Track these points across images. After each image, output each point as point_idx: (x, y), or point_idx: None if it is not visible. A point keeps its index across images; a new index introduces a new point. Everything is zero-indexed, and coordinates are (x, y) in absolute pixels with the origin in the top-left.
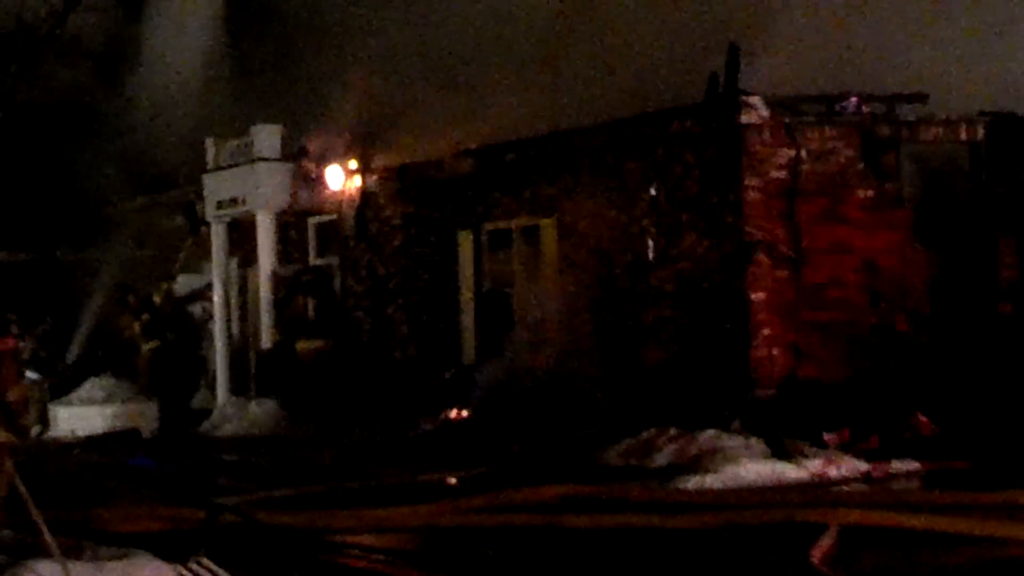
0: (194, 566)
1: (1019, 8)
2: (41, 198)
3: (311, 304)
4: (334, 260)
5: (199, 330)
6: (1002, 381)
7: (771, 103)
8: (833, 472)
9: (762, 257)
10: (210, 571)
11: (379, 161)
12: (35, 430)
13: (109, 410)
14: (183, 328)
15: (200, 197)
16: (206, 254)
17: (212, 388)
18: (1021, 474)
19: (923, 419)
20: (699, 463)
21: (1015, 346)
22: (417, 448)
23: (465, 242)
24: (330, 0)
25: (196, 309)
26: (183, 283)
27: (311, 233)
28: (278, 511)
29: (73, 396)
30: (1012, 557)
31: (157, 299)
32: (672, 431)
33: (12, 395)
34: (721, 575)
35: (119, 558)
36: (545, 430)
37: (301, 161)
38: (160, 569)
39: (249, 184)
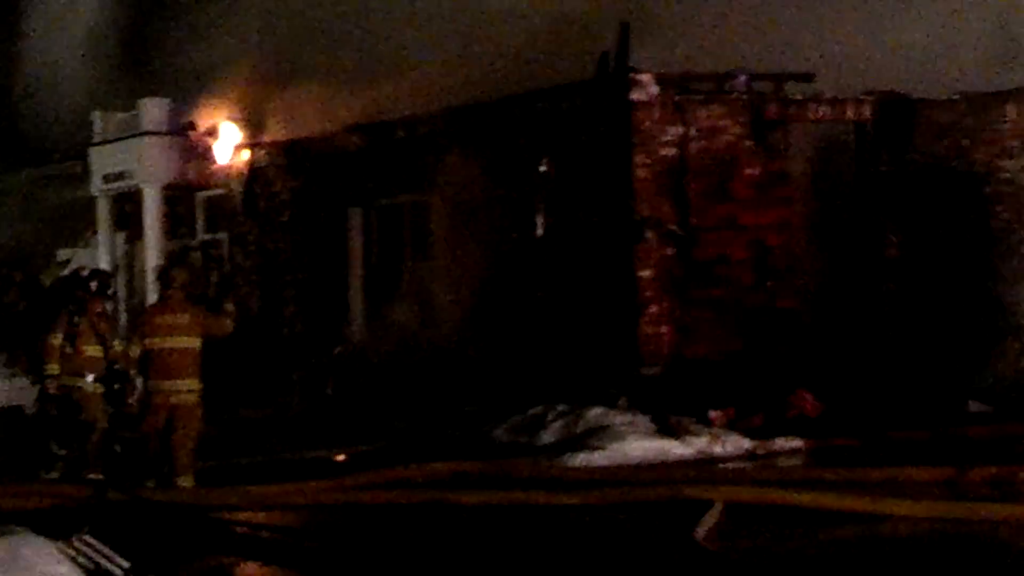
0: (78, 543)
1: None
2: None
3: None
4: (223, 235)
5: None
6: (886, 359)
7: (661, 81)
8: (718, 449)
9: (650, 234)
10: (94, 548)
11: (268, 135)
12: None
13: None
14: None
15: (86, 171)
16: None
17: None
18: (904, 450)
19: (808, 397)
20: (586, 440)
21: (899, 324)
22: (304, 425)
23: (355, 218)
24: None
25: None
26: (75, 259)
27: (199, 208)
28: (164, 488)
29: None
30: (895, 533)
31: (45, 281)
32: (560, 408)
33: None
34: (608, 551)
35: (1, 535)
36: (434, 407)
37: (189, 135)
38: (43, 546)
39: (136, 158)
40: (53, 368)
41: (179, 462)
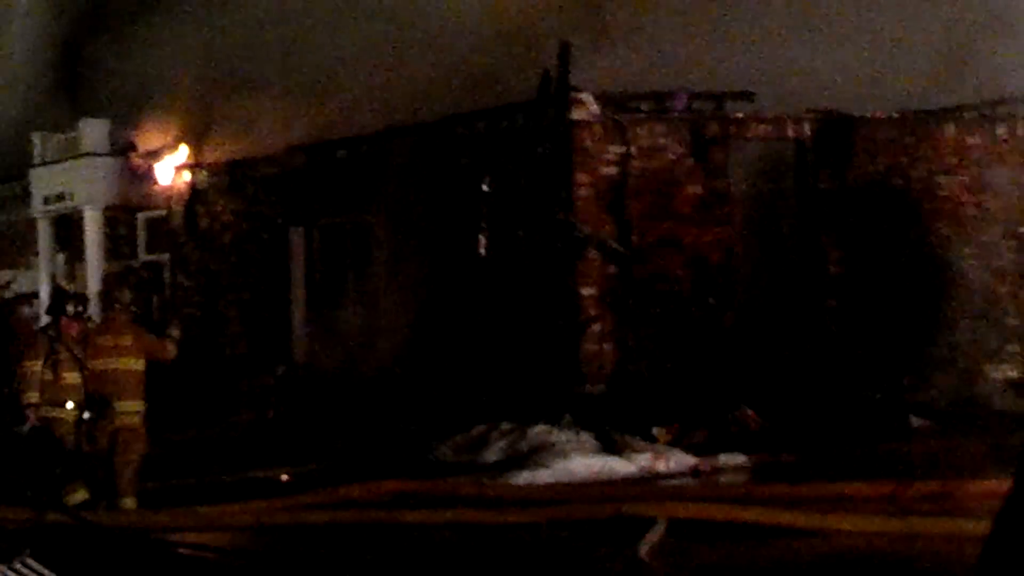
0: (19, 566)
1: (844, 7)
2: None
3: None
4: (164, 256)
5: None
6: (828, 374)
7: (602, 100)
8: (662, 466)
9: (592, 252)
10: (35, 571)
11: (209, 156)
12: None
13: None
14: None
15: (27, 193)
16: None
17: None
18: (845, 465)
19: (750, 413)
20: (530, 458)
21: (840, 340)
22: (248, 445)
23: (297, 239)
24: None
25: (25, 309)
26: (16, 281)
27: (140, 229)
28: (106, 509)
29: None
30: (838, 548)
31: None
32: (504, 426)
33: None
34: (552, 569)
35: None
36: (377, 426)
37: (129, 156)
38: None
39: (76, 179)
40: (32, 396)
41: (122, 484)
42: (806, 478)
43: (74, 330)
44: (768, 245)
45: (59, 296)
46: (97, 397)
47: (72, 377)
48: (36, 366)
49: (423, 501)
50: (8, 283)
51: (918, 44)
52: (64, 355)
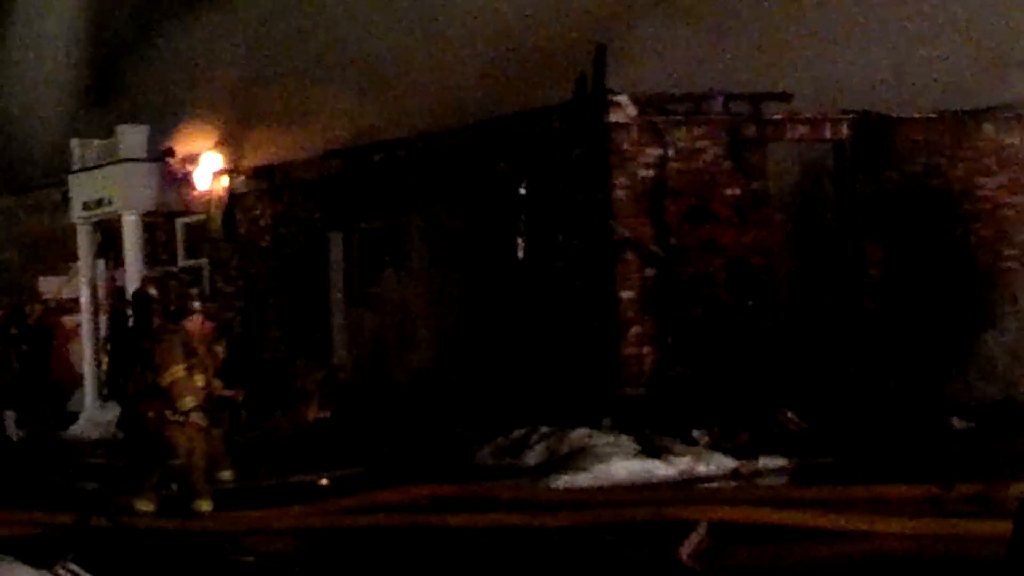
0: (60, 571)
1: (880, 8)
2: None
3: None
4: (203, 261)
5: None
6: (868, 377)
7: (639, 102)
8: (702, 469)
9: (631, 255)
10: (77, 575)
11: (247, 161)
12: None
13: None
14: (44, 338)
15: (66, 198)
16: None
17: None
18: (886, 468)
19: (790, 415)
20: (570, 461)
21: (879, 342)
22: (288, 449)
23: (335, 242)
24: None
25: (66, 319)
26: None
27: (179, 234)
28: (147, 514)
29: None
30: (879, 550)
31: (30, 316)
32: (543, 430)
33: None
34: (592, 573)
35: None
36: (417, 430)
37: (168, 161)
38: (26, 574)
39: (115, 185)
40: (189, 402)
41: (201, 485)
42: (847, 480)
43: (200, 327)
44: (806, 247)
45: (146, 299)
46: (228, 399)
47: (202, 379)
48: (180, 371)
49: (463, 505)
50: (60, 289)
51: (956, 44)
52: (202, 354)
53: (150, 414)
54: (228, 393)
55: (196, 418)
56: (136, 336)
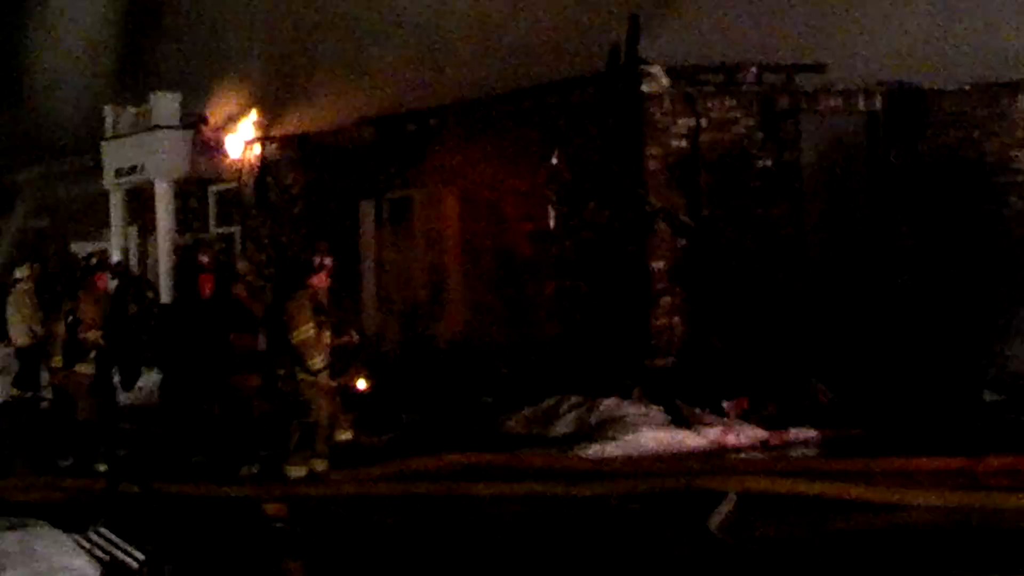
0: (93, 536)
1: None
2: None
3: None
4: (235, 229)
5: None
6: (899, 348)
7: (671, 73)
8: (732, 440)
9: (662, 226)
10: (109, 540)
11: (279, 129)
12: None
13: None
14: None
15: (99, 165)
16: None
17: None
18: (917, 440)
19: (820, 387)
20: (600, 431)
21: (912, 314)
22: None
23: (367, 211)
24: None
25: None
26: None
27: (211, 201)
28: (177, 481)
29: None
30: (909, 522)
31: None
32: (573, 399)
33: None
34: (622, 542)
35: (16, 528)
36: (447, 398)
37: (200, 128)
38: (59, 539)
39: (148, 152)
40: (319, 362)
41: (318, 446)
42: (877, 452)
43: (325, 283)
44: (839, 219)
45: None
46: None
47: (327, 337)
48: (311, 329)
49: (493, 474)
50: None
51: (990, 15)
52: (323, 315)
53: (280, 371)
54: (342, 340)
55: (323, 378)
56: (185, 305)
